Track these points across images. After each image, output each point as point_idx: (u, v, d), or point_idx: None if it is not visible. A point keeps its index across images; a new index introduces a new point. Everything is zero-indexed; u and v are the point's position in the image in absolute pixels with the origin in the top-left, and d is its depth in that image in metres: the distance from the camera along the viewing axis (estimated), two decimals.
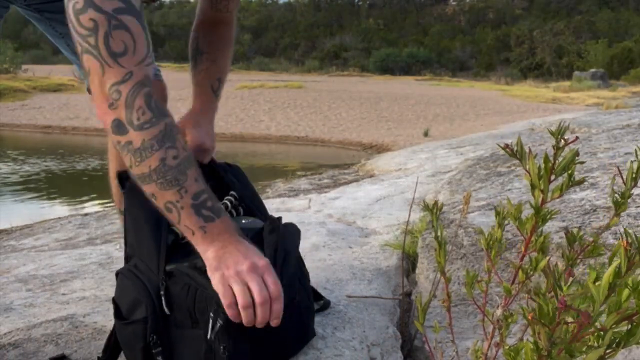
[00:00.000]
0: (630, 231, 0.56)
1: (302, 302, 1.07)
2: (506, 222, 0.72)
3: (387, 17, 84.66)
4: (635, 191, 1.60)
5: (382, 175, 4.13)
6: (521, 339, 0.58)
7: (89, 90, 1.60)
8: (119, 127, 0.91)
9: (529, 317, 0.54)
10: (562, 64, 45.45)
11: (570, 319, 0.54)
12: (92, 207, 5.45)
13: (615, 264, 0.53)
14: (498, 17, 76.95)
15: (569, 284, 0.54)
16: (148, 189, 0.93)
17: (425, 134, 11.99)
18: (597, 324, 0.55)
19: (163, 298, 0.97)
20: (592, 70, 31.40)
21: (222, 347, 0.92)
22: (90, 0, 0.89)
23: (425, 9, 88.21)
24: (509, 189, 2.08)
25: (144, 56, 0.94)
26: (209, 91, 1.41)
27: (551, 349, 0.55)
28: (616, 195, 0.65)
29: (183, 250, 1.00)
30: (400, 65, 50.70)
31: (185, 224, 0.92)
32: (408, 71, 49.59)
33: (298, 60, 56.38)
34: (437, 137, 10.90)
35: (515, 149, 0.64)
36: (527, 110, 16.34)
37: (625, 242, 0.54)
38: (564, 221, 1.50)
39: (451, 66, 54.46)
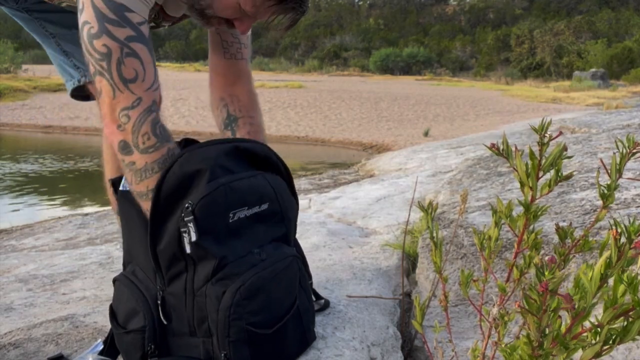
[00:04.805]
0: (619, 221, 0.56)
1: (302, 305, 1.07)
2: (503, 221, 0.72)
3: (387, 17, 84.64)
4: (636, 191, 1.60)
5: (382, 175, 4.13)
6: (518, 337, 0.58)
7: (73, 96, 1.60)
8: (125, 148, 0.99)
9: (516, 305, 0.55)
10: (562, 64, 45.43)
11: (555, 305, 0.54)
12: (92, 207, 5.44)
13: (605, 254, 0.53)
14: (498, 17, 76.95)
15: (552, 269, 0.54)
16: (145, 205, 1.00)
17: (426, 134, 11.99)
18: (593, 320, 0.55)
19: (160, 308, 0.97)
20: (592, 70, 31.40)
21: (222, 355, 0.93)
22: (104, 27, 0.96)
23: (425, 9, 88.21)
24: (509, 189, 2.08)
25: (152, 82, 1.01)
26: None
27: (542, 339, 0.55)
28: (602, 188, 0.65)
29: (183, 260, 0.97)
30: (400, 65, 50.70)
31: None
32: (408, 71, 49.59)
33: (298, 60, 56.33)
34: (437, 137, 10.90)
35: (501, 148, 0.64)
36: (528, 110, 16.34)
37: (614, 231, 0.54)
38: (564, 221, 1.50)
39: (451, 66, 54.44)
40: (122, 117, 0.97)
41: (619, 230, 0.54)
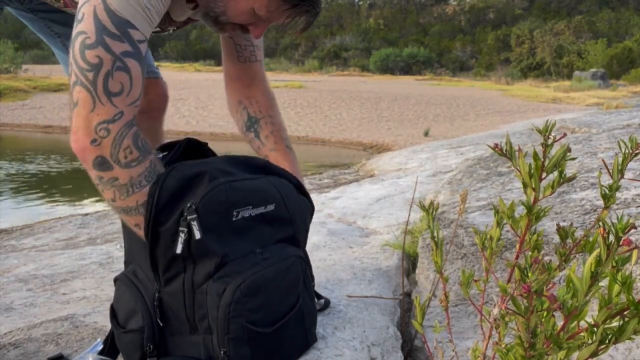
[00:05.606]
0: (607, 221, 0.56)
1: (305, 306, 1.07)
2: (504, 221, 0.72)
3: (387, 17, 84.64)
4: (636, 191, 1.60)
5: (382, 175, 4.13)
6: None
7: None
8: (102, 164, 0.94)
9: (502, 307, 0.55)
10: (562, 64, 45.45)
11: (545, 306, 0.54)
12: (92, 207, 5.44)
13: (595, 252, 0.53)
14: (498, 17, 76.96)
15: (534, 270, 0.54)
16: (133, 220, 0.98)
17: (426, 134, 11.99)
18: (589, 319, 0.55)
19: (157, 309, 0.97)
20: (593, 70, 31.38)
21: (222, 352, 0.92)
22: (102, 39, 0.92)
23: (425, 9, 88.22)
24: (510, 189, 2.07)
25: (136, 98, 0.97)
26: (288, 151, 1.36)
27: (533, 341, 0.55)
28: (604, 188, 0.65)
29: (184, 261, 0.97)
30: (400, 65, 50.73)
31: None
32: (408, 71, 49.63)
33: (298, 60, 56.31)
34: (437, 137, 10.90)
35: (505, 148, 0.64)
36: (528, 110, 16.34)
37: (602, 229, 0.54)
38: (564, 221, 1.50)
39: (451, 66, 54.49)
40: (100, 130, 0.92)
41: (607, 228, 0.55)
